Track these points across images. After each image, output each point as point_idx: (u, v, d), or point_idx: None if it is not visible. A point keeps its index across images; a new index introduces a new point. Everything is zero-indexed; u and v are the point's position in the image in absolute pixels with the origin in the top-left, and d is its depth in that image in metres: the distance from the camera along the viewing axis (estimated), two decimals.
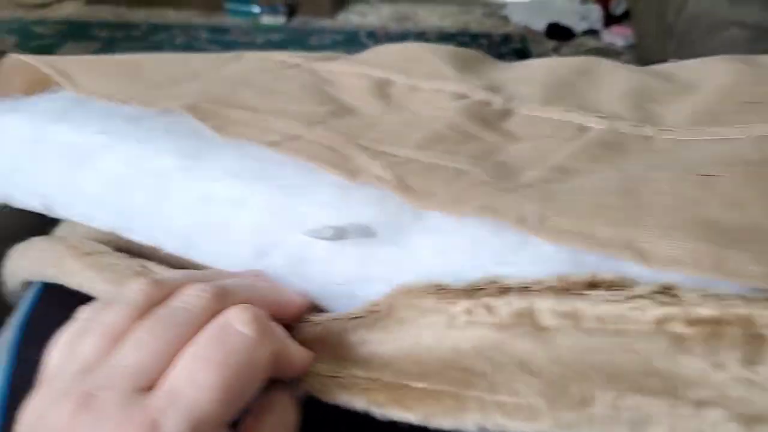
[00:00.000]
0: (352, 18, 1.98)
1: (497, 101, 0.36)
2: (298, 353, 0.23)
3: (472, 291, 0.23)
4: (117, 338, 0.21)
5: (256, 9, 1.95)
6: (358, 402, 0.22)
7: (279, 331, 0.23)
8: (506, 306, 0.22)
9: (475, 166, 0.28)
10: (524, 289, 0.22)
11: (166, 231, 0.30)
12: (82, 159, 0.32)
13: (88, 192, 0.32)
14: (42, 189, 0.35)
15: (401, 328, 0.23)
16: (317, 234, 0.25)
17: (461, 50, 0.45)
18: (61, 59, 0.39)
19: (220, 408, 0.20)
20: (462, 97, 0.36)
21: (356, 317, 0.24)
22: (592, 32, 1.84)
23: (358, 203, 0.26)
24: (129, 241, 0.35)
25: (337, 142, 0.29)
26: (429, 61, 0.41)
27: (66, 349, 0.22)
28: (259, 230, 0.27)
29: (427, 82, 0.37)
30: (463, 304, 0.22)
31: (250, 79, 0.38)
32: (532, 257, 0.23)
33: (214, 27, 1.96)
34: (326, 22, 1.94)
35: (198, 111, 0.31)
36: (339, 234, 0.25)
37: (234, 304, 0.22)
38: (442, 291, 0.23)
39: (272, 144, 0.29)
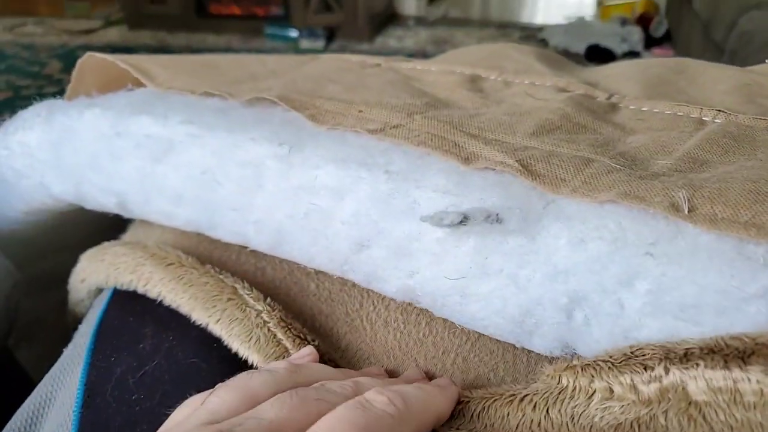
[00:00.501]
0: (390, 42, 1.99)
1: (600, 95, 0.33)
2: None
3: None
4: (254, 399, 0.21)
5: (294, 33, 1.98)
6: None
7: (417, 404, 0.21)
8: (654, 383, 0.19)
9: (600, 155, 0.25)
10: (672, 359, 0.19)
11: (256, 225, 0.28)
12: (164, 151, 0.30)
13: (170, 186, 0.31)
14: (118, 186, 0.33)
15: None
16: (434, 220, 0.22)
17: (545, 51, 0.43)
18: (137, 57, 0.38)
19: None
20: (563, 90, 0.33)
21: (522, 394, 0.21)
22: (633, 54, 1.81)
23: (478, 188, 0.23)
24: (210, 245, 0.33)
25: (442, 129, 0.27)
26: (517, 59, 0.38)
27: (193, 404, 0.21)
28: (362, 220, 0.25)
29: (521, 77, 0.35)
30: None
31: (333, 77, 0.36)
32: (689, 247, 0.20)
33: (253, 51, 1.99)
34: (364, 46, 1.96)
35: (290, 101, 0.29)
36: (460, 219, 0.22)
37: None
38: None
39: (373, 131, 0.26)
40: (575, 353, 0.23)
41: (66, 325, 0.40)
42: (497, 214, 0.22)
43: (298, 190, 0.26)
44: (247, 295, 0.27)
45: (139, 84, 0.36)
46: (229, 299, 0.26)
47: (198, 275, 0.28)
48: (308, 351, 0.25)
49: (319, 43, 1.96)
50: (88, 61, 0.38)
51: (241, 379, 0.22)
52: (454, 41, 1.97)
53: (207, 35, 2.08)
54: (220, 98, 0.32)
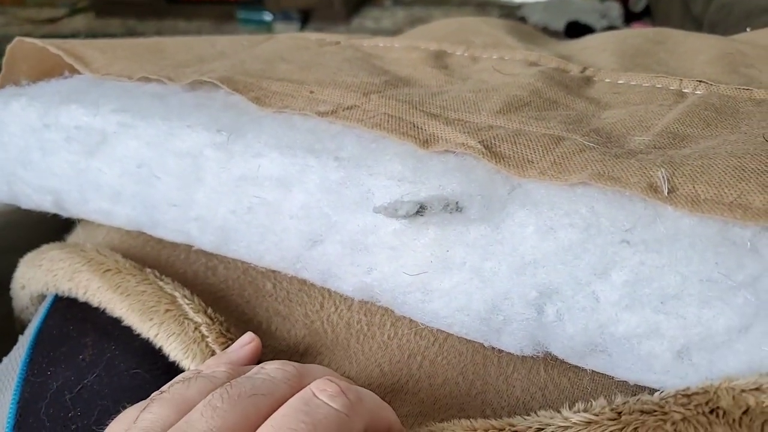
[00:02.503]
0: (366, 23, 1.95)
1: (573, 68, 0.31)
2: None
3: None
4: (188, 407, 0.19)
5: (268, 17, 1.93)
6: None
7: (371, 402, 0.19)
8: None
9: (572, 132, 0.23)
10: None
11: (198, 222, 0.25)
12: (97, 144, 0.27)
13: (105, 182, 0.28)
14: (52, 183, 0.30)
15: None
16: (389, 211, 0.20)
17: (518, 24, 0.41)
18: (72, 42, 0.35)
19: None
20: (533, 64, 0.31)
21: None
22: (612, 29, 1.79)
23: (437, 174, 0.21)
24: (157, 244, 0.30)
25: (400, 109, 0.24)
26: (487, 32, 0.36)
27: (127, 420, 0.19)
28: (312, 213, 0.23)
29: (490, 52, 0.33)
30: None
31: (287, 56, 0.33)
32: (669, 233, 0.18)
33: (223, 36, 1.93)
34: (340, 28, 1.91)
35: (233, 83, 0.27)
36: (417, 210, 0.20)
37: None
38: None
39: (324, 114, 0.24)
40: (548, 352, 0.21)
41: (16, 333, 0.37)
42: (457, 202, 0.19)
43: (240, 182, 0.23)
44: (187, 305, 0.24)
45: (76, 71, 0.33)
46: (167, 310, 0.24)
47: (135, 283, 0.25)
48: (249, 339, 0.23)
49: (294, 26, 1.91)
50: (19, 47, 0.35)
51: (177, 389, 0.20)
52: (431, 21, 1.93)
53: (178, 22, 2.02)
54: (159, 83, 0.29)
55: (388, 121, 0.23)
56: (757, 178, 0.19)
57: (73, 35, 1.93)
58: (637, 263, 0.18)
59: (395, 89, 0.27)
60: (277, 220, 0.23)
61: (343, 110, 0.24)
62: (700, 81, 0.29)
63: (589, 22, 1.77)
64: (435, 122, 0.23)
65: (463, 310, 0.21)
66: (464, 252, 0.20)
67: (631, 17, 1.86)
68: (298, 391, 0.19)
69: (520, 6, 1.94)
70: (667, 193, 0.19)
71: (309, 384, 0.19)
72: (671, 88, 0.29)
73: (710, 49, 0.35)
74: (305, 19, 1.96)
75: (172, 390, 0.20)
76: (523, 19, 1.90)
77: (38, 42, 0.34)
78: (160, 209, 0.26)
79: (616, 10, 1.81)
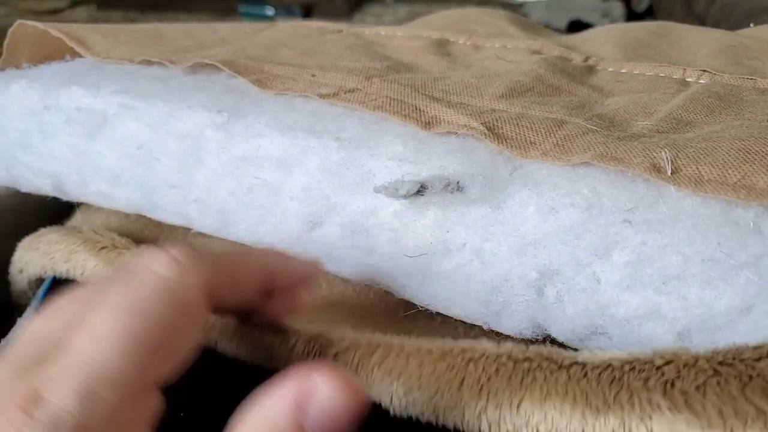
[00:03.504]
0: (367, 19, 1.95)
1: (576, 57, 0.31)
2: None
3: None
4: None
5: (269, 11, 1.92)
6: None
7: (223, 261, 0.18)
8: None
9: (574, 117, 0.23)
10: None
11: (198, 205, 0.25)
12: (98, 125, 0.27)
13: (105, 165, 0.28)
14: (52, 166, 0.30)
15: None
16: (389, 191, 0.20)
17: (519, 16, 0.41)
18: (74, 26, 0.35)
19: (127, 363, 0.15)
20: (536, 52, 0.31)
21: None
22: None
23: (438, 155, 0.21)
24: (156, 228, 0.30)
25: (402, 92, 0.24)
26: (489, 22, 0.36)
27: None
28: (312, 195, 0.22)
29: (492, 41, 0.32)
30: None
31: (288, 43, 0.33)
32: (671, 213, 0.18)
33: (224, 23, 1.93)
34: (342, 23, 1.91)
35: (235, 65, 0.26)
36: (417, 189, 0.19)
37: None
38: None
39: (325, 96, 0.24)
40: (547, 334, 0.20)
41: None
42: (458, 182, 0.19)
43: (240, 163, 0.23)
44: None
45: (78, 55, 0.33)
46: None
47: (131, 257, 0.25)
48: None
49: (296, 21, 1.91)
50: (21, 30, 0.35)
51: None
52: None
53: (179, 15, 2.01)
54: (161, 66, 0.29)
55: (390, 104, 0.23)
56: (761, 160, 0.19)
57: None
58: (639, 243, 0.18)
59: (397, 74, 0.27)
60: (277, 202, 0.23)
61: (345, 93, 0.24)
62: (704, 70, 0.29)
63: (591, 21, 1.76)
64: (437, 105, 0.23)
65: (462, 292, 0.21)
66: (465, 233, 0.20)
67: (633, 17, 1.85)
68: None
69: (522, 4, 1.94)
70: (670, 173, 0.19)
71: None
72: (674, 77, 0.28)
73: (713, 42, 0.35)
74: (307, 14, 1.96)
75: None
76: (525, 17, 1.90)
77: (40, 25, 0.34)
78: (159, 192, 0.26)
79: (618, 10, 1.81)
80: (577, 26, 1.80)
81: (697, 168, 0.19)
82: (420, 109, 0.23)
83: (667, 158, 0.19)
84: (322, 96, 0.24)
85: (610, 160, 0.19)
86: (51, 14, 1.95)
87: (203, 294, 0.17)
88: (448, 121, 0.21)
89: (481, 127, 0.21)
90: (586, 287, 0.19)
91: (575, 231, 0.19)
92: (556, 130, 0.21)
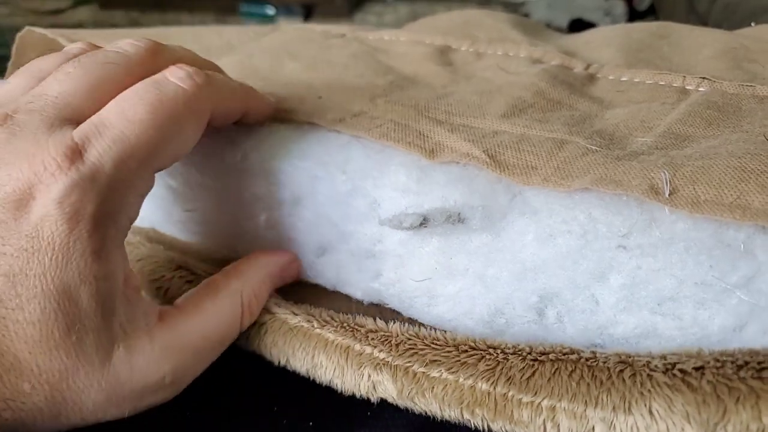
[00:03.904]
0: (369, 18, 1.95)
1: (577, 65, 0.31)
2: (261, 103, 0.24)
3: None
4: (44, 77, 0.20)
5: (270, 10, 1.92)
6: None
7: (222, 86, 0.22)
8: None
9: (575, 135, 0.23)
10: None
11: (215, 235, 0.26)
12: None
13: None
14: None
15: None
16: (394, 223, 0.21)
17: (521, 17, 0.41)
18: (81, 32, 0.36)
19: (150, 147, 0.19)
20: (537, 62, 0.31)
21: None
22: None
23: (439, 185, 0.21)
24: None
25: (406, 116, 0.25)
26: (491, 26, 0.36)
27: None
28: (322, 225, 0.23)
29: (494, 47, 0.33)
30: None
31: (294, 51, 0.34)
32: (664, 237, 0.19)
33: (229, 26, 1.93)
34: (343, 23, 1.91)
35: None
36: (420, 222, 0.20)
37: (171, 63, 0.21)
38: None
39: (333, 122, 0.24)
40: None
41: None
42: (459, 214, 0.20)
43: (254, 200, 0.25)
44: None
45: None
46: (178, 267, 0.25)
47: (147, 251, 0.27)
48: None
49: (297, 21, 1.91)
50: (29, 36, 0.35)
51: (33, 62, 0.21)
52: None
53: (181, 14, 2.02)
54: None
55: (394, 130, 0.23)
56: (757, 179, 0.19)
57: (77, 26, 1.93)
58: (634, 267, 0.19)
59: (401, 91, 0.28)
60: (290, 234, 0.24)
61: (351, 118, 0.25)
62: (704, 78, 0.29)
63: (592, 20, 1.76)
64: (440, 129, 0.23)
65: (467, 314, 0.21)
66: (467, 260, 0.21)
67: (635, 16, 1.85)
68: (152, 71, 0.20)
69: (523, 3, 1.94)
70: (668, 194, 0.19)
71: (163, 67, 0.21)
72: (674, 85, 0.29)
73: (715, 43, 0.35)
74: (308, 13, 1.96)
75: (27, 65, 0.21)
76: (526, 16, 1.90)
77: (48, 33, 0.34)
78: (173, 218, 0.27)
79: (620, 9, 1.80)
80: (578, 25, 1.79)
81: (694, 189, 0.19)
82: (424, 135, 0.23)
83: (665, 180, 0.19)
84: (329, 122, 0.24)
85: (609, 183, 0.19)
86: (53, 14, 1.95)
87: (209, 108, 0.21)
88: (452, 149, 0.22)
89: (483, 156, 0.21)
90: (585, 308, 0.20)
91: (572, 257, 0.19)
92: (557, 152, 0.22)
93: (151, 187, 0.20)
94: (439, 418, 0.20)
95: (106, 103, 0.19)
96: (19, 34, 0.36)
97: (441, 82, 0.30)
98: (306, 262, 0.24)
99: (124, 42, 0.21)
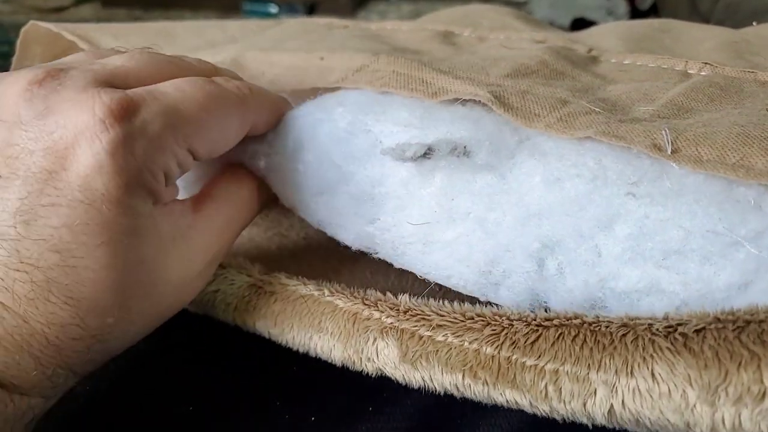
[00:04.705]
0: (372, 17, 1.95)
1: (580, 48, 0.31)
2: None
3: None
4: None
5: (273, 9, 1.93)
6: None
7: (266, 99, 0.23)
8: None
9: (578, 98, 0.23)
10: None
11: None
12: None
13: None
14: None
15: None
16: (396, 153, 0.20)
17: (523, 12, 0.41)
18: (85, 26, 0.36)
19: (196, 125, 0.19)
20: (540, 42, 0.31)
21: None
22: None
23: (445, 122, 0.21)
24: None
25: (409, 66, 0.24)
26: (493, 17, 0.36)
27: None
28: (324, 167, 0.23)
29: (497, 33, 0.33)
30: None
31: (296, 36, 0.34)
32: (674, 188, 0.19)
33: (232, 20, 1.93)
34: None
35: (244, 68, 0.27)
36: (424, 152, 0.20)
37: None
38: None
39: (334, 83, 0.24)
40: (546, 306, 0.21)
41: None
42: (464, 146, 0.20)
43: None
44: None
45: None
46: None
47: None
48: None
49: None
50: (33, 30, 0.35)
51: (92, 51, 0.22)
52: None
53: (183, 12, 2.02)
54: None
55: (396, 79, 0.23)
56: (760, 144, 0.19)
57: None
58: (642, 216, 0.18)
59: (403, 54, 0.28)
60: (288, 177, 0.24)
61: (353, 74, 0.24)
62: (706, 63, 0.29)
63: (594, 19, 1.77)
64: (444, 77, 0.23)
65: (463, 261, 0.21)
66: (470, 201, 0.20)
67: (637, 15, 1.85)
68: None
69: (526, 2, 1.94)
70: (670, 152, 0.19)
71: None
72: (677, 68, 0.29)
73: (715, 37, 0.36)
74: (310, 12, 1.96)
75: (88, 51, 0.22)
76: (529, 14, 1.90)
77: (52, 27, 0.34)
78: None
79: (622, 8, 1.81)
80: (580, 24, 1.80)
81: (697, 149, 0.19)
82: (427, 82, 0.23)
83: (667, 139, 0.19)
84: (331, 84, 0.24)
85: (612, 137, 0.19)
86: (56, 11, 1.96)
87: (252, 118, 0.23)
88: (455, 91, 0.22)
89: (488, 95, 0.21)
90: (587, 260, 0.19)
91: (579, 202, 0.19)
92: (560, 107, 0.22)
93: (187, 168, 0.20)
94: (438, 389, 0.20)
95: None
96: (23, 29, 0.36)
97: (444, 54, 0.30)
98: (302, 201, 0.24)
99: (192, 59, 0.23)
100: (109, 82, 0.19)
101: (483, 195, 0.20)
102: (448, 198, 0.20)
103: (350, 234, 0.23)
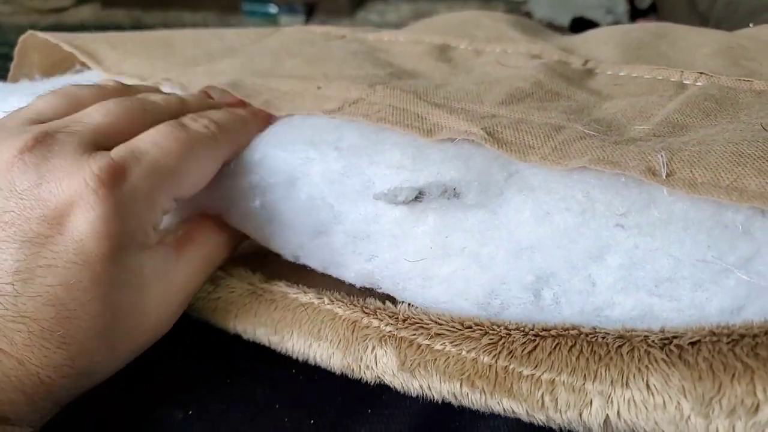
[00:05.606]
0: (371, 17, 1.95)
1: (575, 61, 0.32)
2: None
3: None
4: (81, 107, 0.22)
5: (273, 9, 1.93)
6: None
7: (237, 130, 0.25)
8: None
9: (572, 122, 0.24)
10: None
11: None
12: None
13: None
14: None
15: None
16: (389, 197, 0.21)
17: (520, 18, 0.41)
18: (84, 36, 0.36)
19: (176, 175, 0.21)
20: (536, 57, 0.32)
21: None
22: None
23: (435, 162, 0.21)
24: None
25: (405, 100, 0.25)
26: (489, 26, 0.37)
27: (20, 106, 0.22)
28: (316, 205, 0.23)
29: (493, 45, 0.33)
30: None
31: (294, 51, 0.34)
32: (662, 217, 0.19)
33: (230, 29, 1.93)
34: (345, 22, 1.91)
35: (241, 88, 0.28)
36: (415, 195, 0.20)
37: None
38: None
39: (331, 111, 0.25)
40: None
41: None
42: (454, 188, 0.20)
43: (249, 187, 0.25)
44: None
45: (87, 67, 0.34)
46: None
47: None
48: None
49: (299, 19, 1.91)
50: (31, 40, 0.36)
51: (70, 88, 0.23)
52: (435, 15, 1.92)
53: (183, 13, 2.02)
54: (172, 86, 0.30)
55: (392, 114, 0.24)
56: (753, 163, 0.19)
57: (80, 25, 1.94)
58: (632, 246, 0.19)
59: (400, 81, 0.28)
60: (285, 215, 0.24)
61: (350, 105, 0.25)
62: (701, 73, 0.29)
63: (594, 18, 1.76)
64: (439, 111, 0.24)
65: (461, 295, 0.21)
66: (463, 238, 0.21)
67: (636, 14, 1.85)
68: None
69: (525, 1, 1.94)
70: (665, 176, 0.19)
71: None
72: (672, 79, 0.29)
73: (712, 43, 0.36)
74: (310, 11, 1.96)
75: (65, 88, 0.23)
76: (528, 15, 1.90)
77: (50, 38, 0.35)
78: None
79: (621, 6, 1.81)
80: (580, 23, 1.80)
81: (691, 171, 0.19)
82: (422, 117, 0.23)
83: (662, 162, 0.19)
84: (327, 112, 0.25)
85: (606, 163, 0.19)
86: (56, 12, 1.96)
87: (224, 153, 0.24)
88: (449, 128, 0.22)
89: (482, 132, 0.21)
90: (582, 289, 0.20)
91: (569, 235, 0.19)
92: (555, 135, 0.22)
93: (171, 210, 0.22)
94: (436, 397, 0.20)
95: (136, 133, 0.21)
96: (21, 37, 0.36)
97: (440, 75, 0.30)
98: (297, 245, 0.24)
99: (158, 96, 0.24)
100: (94, 142, 0.20)
101: (475, 231, 0.20)
102: (442, 236, 0.21)
103: (351, 272, 0.24)
